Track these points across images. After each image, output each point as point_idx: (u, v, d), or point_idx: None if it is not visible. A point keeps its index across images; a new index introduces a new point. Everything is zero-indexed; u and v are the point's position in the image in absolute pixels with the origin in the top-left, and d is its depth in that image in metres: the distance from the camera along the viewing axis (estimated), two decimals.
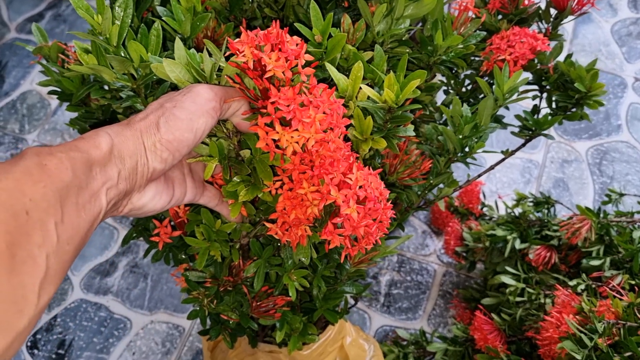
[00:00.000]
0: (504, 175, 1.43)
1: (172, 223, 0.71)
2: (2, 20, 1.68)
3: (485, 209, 1.29)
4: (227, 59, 0.50)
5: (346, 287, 0.77)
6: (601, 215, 1.11)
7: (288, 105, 0.45)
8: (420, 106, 0.58)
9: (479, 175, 0.84)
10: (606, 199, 1.23)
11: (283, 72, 0.46)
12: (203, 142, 0.52)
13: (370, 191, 0.47)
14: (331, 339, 0.94)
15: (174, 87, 0.64)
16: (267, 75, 0.45)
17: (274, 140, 0.46)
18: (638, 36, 1.63)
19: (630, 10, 1.68)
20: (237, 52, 0.46)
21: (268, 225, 0.51)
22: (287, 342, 0.81)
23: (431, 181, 0.73)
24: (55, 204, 0.37)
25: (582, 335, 0.82)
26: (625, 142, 1.46)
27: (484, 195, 1.28)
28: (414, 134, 0.61)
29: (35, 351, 1.24)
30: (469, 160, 0.72)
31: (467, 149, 0.68)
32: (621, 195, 1.23)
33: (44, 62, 0.75)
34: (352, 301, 1.17)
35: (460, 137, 0.66)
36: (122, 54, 0.55)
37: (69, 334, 1.25)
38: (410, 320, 1.24)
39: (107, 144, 0.43)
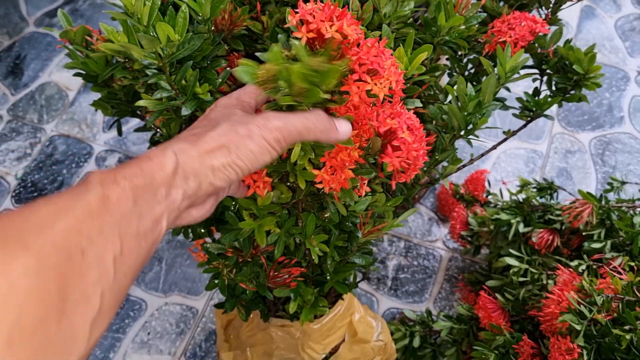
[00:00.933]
0: (508, 165, 1.46)
1: None
2: (21, 15, 1.74)
3: (490, 197, 1.33)
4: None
5: (356, 259, 0.81)
6: (603, 201, 1.14)
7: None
8: (428, 77, 0.62)
9: (482, 155, 0.87)
10: (608, 187, 1.26)
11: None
12: None
13: (413, 122, 0.53)
14: (340, 314, 0.98)
15: (195, 66, 0.68)
16: (349, 40, 0.50)
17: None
18: None
19: (633, 6, 1.72)
20: (325, 29, 0.49)
21: (315, 172, 0.55)
22: (298, 316, 0.85)
23: (436, 157, 0.76)
24: (113, 238, 0.37)
25: (582, 308, 0.86)
26: (627, 133, 1.49)
27: (489, 184, 1.32)
28: (421, 105, 0.65)
29: None
30: (471, 137, 0.75)
31: (470, 126, 0.72)
32: (623, 183, 1.26)
33: (69, 46, 0.79)
34: (360, 276, 1.21)
35: (465, 114, 0.70)
36: (151, 34, 0.60)
37: None
38: (417, 303, 1.28)
39: (172, 165, 0.43)
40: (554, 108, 1.53)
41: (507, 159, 1.47)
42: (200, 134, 0.47)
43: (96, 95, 0.79)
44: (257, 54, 0.57)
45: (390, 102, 0.56)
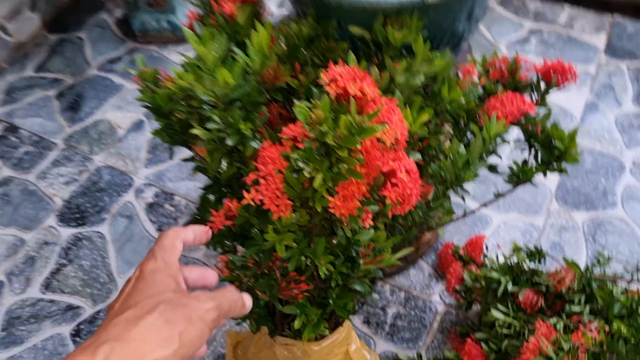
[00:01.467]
0: (507, 234, 1.59)
1: None
2: (86, 59, 1.97)
3: (486, 260, 1.45)
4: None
5: (357, 286, 0.94)
6: (589, 274, 1.26)
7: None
8: (427, 135, 0.77)
9: (473, 212, 1.01)
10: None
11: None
12: None
13: (411, 167, 0.67)
14: (339, 342, 1.09)
15: (242, 107, 0.84)
16: (367, 97, 0.65)
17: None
18: (639, 128, 1.82)
19: (633, 105, 1.88)
20: (350, 87, 0.64)
21: (330, 198, 0.69)
22: (301, 335, 0.97)
23: (431, 204, 0.91)
24: None
25: (551, 352, 0.97)
26: (619, 217, 1.62)
27: (487, 248, 1.45)
28: (421, 157, 0.81)
29: (78, 339, 1.41)
30: (462, 192, 0.90)
31: (459, 179, 0.86)
32: (609, 259, 1.38)
33: (140, 83, 0.97)
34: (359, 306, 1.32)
35: (456, 169, 0.85)
36: (213, 77, 0.77)
37: None
38: (411, 349, 1.38)
39: None
40: (553, 187, 1.67)
41: (507, 229, 1.60)
42: (135, 320, 0.45)
43: (144, 133, 0.94)
44: (295, 101, 0.72)
45: (395, 150, 0.72)
